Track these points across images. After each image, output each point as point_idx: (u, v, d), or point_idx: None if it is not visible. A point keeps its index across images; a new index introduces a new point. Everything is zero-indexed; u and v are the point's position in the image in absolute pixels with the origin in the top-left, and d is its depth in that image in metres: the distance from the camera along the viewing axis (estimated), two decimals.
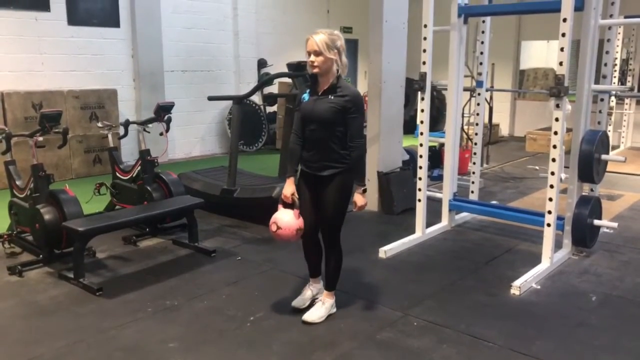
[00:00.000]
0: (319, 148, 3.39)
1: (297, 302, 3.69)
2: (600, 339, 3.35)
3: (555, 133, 4.18)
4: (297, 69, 6.26)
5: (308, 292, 3.72)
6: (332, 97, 3.30)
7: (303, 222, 3.43)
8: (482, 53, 5.88)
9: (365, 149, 3.47)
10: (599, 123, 5.18)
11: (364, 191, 3.44)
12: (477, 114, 6.15)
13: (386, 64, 5.88)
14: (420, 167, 5.12)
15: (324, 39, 3.24)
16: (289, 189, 3.46)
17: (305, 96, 3.42)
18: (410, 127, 9.19)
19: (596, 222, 4.72)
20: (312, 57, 3.26)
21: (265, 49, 10.64)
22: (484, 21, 5.81)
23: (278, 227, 3.39)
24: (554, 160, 4.23)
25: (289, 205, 3.45)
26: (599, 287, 4.09)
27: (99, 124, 5.82)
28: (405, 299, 3.88)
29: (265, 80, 6.65)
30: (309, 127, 3.39)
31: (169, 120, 5.39)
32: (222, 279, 4.24)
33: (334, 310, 3.62)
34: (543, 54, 12.33)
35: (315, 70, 3.29)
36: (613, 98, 9.47)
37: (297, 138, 3.47)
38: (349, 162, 3.41)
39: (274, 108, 10.31)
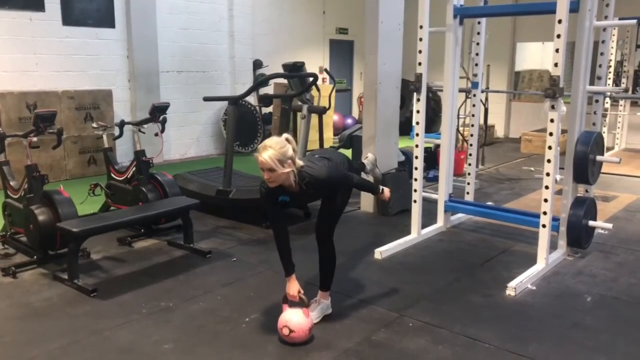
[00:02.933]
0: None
1: None
2: (595, 339, 3.36)
3: (551, 134, 4.19)
4: (292, 70, 6.26)
5: None
6: (311, 192, 3.27)
7: (312, 319, 3.35)
8: (477, 54, 5.89)
9: (356, 180, 3.56)
10: (593, 124, 5.20)
11: (383, 190, 3.66)
12: (473, 115, 6.16)
13: (382, 65, 5.88)
14: (416, 168, 5.12)
15: (274, 156, 3.01)
16: (293, 288, 3.33)
17: (285, 198, 3.28)
18: (406, 128, 9.21)
19: (591, 223, 4.73)
20: (267, 175, 3.07)
21: (260, 50, 10.63)
22: (479, 22, 5.83)
23: (291, 331, 3.20)
24: (549, 161, 4.24)
25: (294, 304, 3.34)
26: (594, 288, 4.10)
27: (94, 125, 5.80)
28: (400, 300, 3.88)
29: (260, 81, 6.63)
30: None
31: (164, 120, 5.38)
32: (217, 280, 4.23)
33: (330, 311, 3.61)
34: (538, 55, 12.37)
35: (273, 185, 3.12)
36: (608, 99, 9.51)
37: (280, 230, 3.35)
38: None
39: (270, 109, 10.30)
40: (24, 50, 7.57)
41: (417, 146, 5.10)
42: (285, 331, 3.22)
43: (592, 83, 4.75)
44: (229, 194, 5.63)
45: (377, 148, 6.00)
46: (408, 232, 5.17)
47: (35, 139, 4.52)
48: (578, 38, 4.42)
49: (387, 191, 3.68)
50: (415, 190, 5.15)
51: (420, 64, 4.90)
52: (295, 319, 3.23)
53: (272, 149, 3.04)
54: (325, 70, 10.01)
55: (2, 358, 3.13)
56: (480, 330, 3.43)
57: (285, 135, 3.17)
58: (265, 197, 3.26)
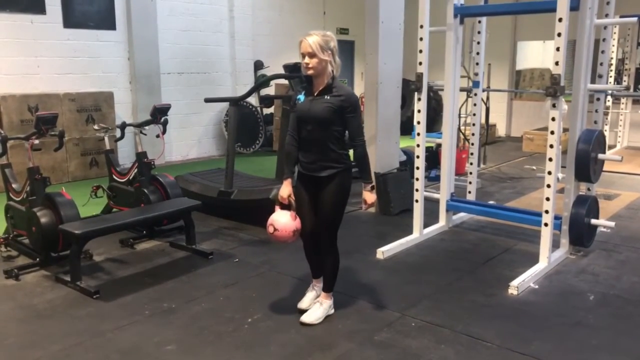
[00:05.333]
0: (317, 149, 3.38)
1: (302, 304, 3.70)
2: (597, 338, 3.35)
3: (552, 132, 4.19)
4: (293, 71, 6.26)
5: (313, 293, 3.71)
6: (328, 97, 3.29)
7: (300, 223, 3.42)
8: (478, 53, 5.89)
9: (364, 144, 3.46)
10: (595, 122, 5.19)
11: (372, 188, 3.47)
12: (474, 115, 6.17)
13: (382, 65, 5.88)
14: (417, 168, 5.12)
15: (318, 41, 3.22)
16: (285, 190, 3.43)
17: (301, 97, 3.40)
18: (407, 128, 9.20)
19: (593, 221, 4.73)
20: (307, 59, 3.25)
21: (261, 51, 10.64)
22: (479, 21, 5.83)
23: (275, 229, 3.39)
24: (550, 159, 4.24)
25: (285, 207, 3.44)
26: (597, 287, 4.10)
27: (96, 127, 5.81)
28: (403, 299, 3.88)
29: (261, 81, 6.65)
30: (305, 128, 3.37)
31: (166, 122, 5.38)
32: (219, 281, 4.24)
33: (332, 311, 3.61)
34: (539, 54, 12.36)
35: (310, 72, 3.27)
36: (609, 97, 9.50)
37: (293, 139, 3.45)
38: (347, 161, 3.42)
39: (271, 110, 10.32)
40: (25, 53, 7.58)
41: (418, 146, 5.10)
42: (271, 229, 3.41)
43: (593, 81, 4.75)
44: (231, 195, 5.64)
45: (378, 148, 6.00)
46: (410, 232, 5.17)
47: (37, 141, 4.53)
48: (579, 36, 4.42)
49: (374, 196, 3.49)
50: (416, 190, 5.14)
51: (420, 63, 4.90)
52: (282, 220, 3.39)
53: (317, 35, 3.25)
54: None
55: None
56: (482, 329, 3.43)
57: (329, 31, 3.33)
58: (295, 93, 3.47)
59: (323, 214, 3.43)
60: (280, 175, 3.57)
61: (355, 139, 3.38)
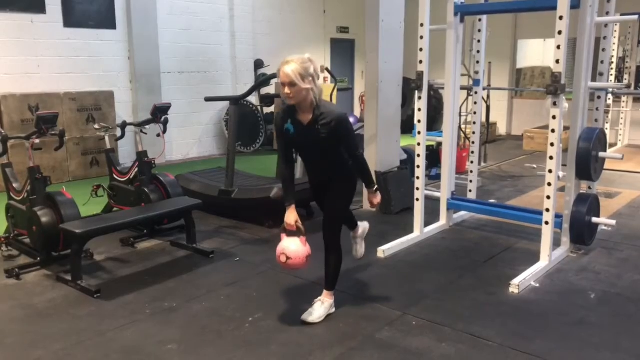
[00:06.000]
0: (320, 167, 3.49)
1: None
2: (599, 336, 3.35)
3: (553, 131, 4.18)
4: None
5: None
6: (319, 127, 3.25)
7: (310, 248, 3.41)
8: (478, 52, 5.88)
9: (361, 153, 3.53)
10: (596, 121, 5.19)
11: (376, 190, 3.56)
12: (475, 113, 6.16)
13: (383, 63, 5.88)
14: (418, 167, 5.12)
15: (297, 70, 3.09)
16: (291, 217, 3.39)
17: (290, 127, 3.31)
18: (407, 126, 9.19)
19: (594, 219, 4.72)
20: (287, 89, 3.14)
21: (262, 50, 10.63)
22: (480, 20, 5.82)
23: (288, 258, 3.34)
24: (551, 158, 4.23)
25: (293, 233, 3.40)
26: (598, 285, 4.09)
27: (96, 126, 5.82)
28: (404, 298, 3.87)
29: (262, 80, 6.64)
30: (304, 153, 3.48)
31: (166, 121, 5.38)
32: (220, 280, 4.24)
33: (333, 310, 3.61)
34: (539, 52, 12.35)
35: (292, 102, 3.20)
36: (610, 96, 9.49)
37: (287, 163, 3.43)
38: (351, 167, 3.46)
39: (271, 109, 10.31)
40: (25, 53, 7.58)
41: (418, 144, 5.10)
42: (283, 258, 3.35)
43: (594, 79, 4.74)
44: (232, 194, 5.63)
45: (379, 146, 6.00)
46: (411, 231, 5.16)
47: (37, 140, 4.52)
48: (579, 34, 4.41)
49: (379, 196, 3.58)
50: (417, 189, 5.14)
51: (421, 62, 4.90)
52: (292, 247, 3.35)
53: (295, 63, 3.11)
54: (327, 69, 10.00)
55: (7, 359, 3.14)
56: (483, 328, 3.43)
57: (307, 54, 3.22)
58: (279, 120, 3.35)
59: (329, 211, 3.49)
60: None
61: (352, 155, 3.40)
